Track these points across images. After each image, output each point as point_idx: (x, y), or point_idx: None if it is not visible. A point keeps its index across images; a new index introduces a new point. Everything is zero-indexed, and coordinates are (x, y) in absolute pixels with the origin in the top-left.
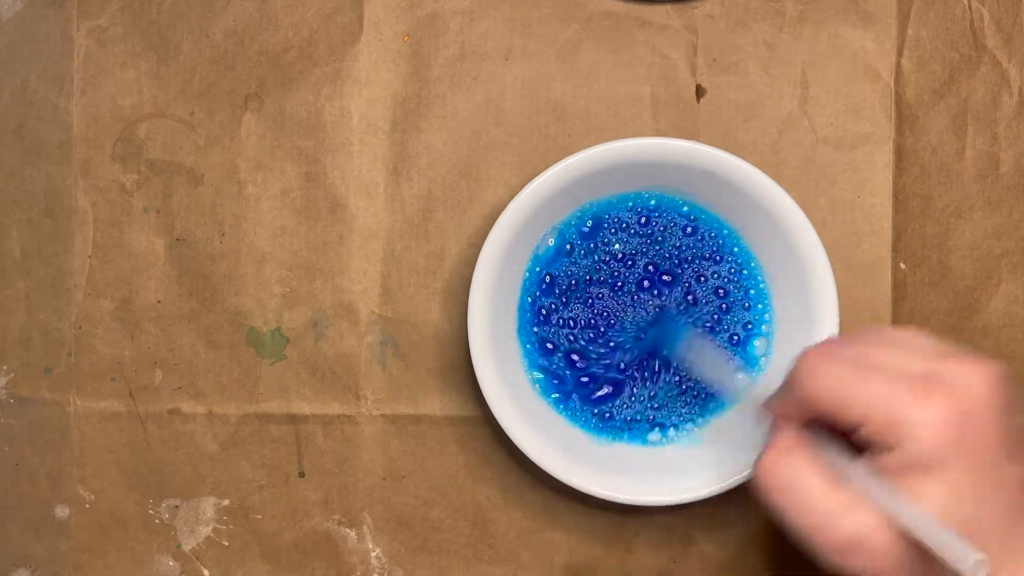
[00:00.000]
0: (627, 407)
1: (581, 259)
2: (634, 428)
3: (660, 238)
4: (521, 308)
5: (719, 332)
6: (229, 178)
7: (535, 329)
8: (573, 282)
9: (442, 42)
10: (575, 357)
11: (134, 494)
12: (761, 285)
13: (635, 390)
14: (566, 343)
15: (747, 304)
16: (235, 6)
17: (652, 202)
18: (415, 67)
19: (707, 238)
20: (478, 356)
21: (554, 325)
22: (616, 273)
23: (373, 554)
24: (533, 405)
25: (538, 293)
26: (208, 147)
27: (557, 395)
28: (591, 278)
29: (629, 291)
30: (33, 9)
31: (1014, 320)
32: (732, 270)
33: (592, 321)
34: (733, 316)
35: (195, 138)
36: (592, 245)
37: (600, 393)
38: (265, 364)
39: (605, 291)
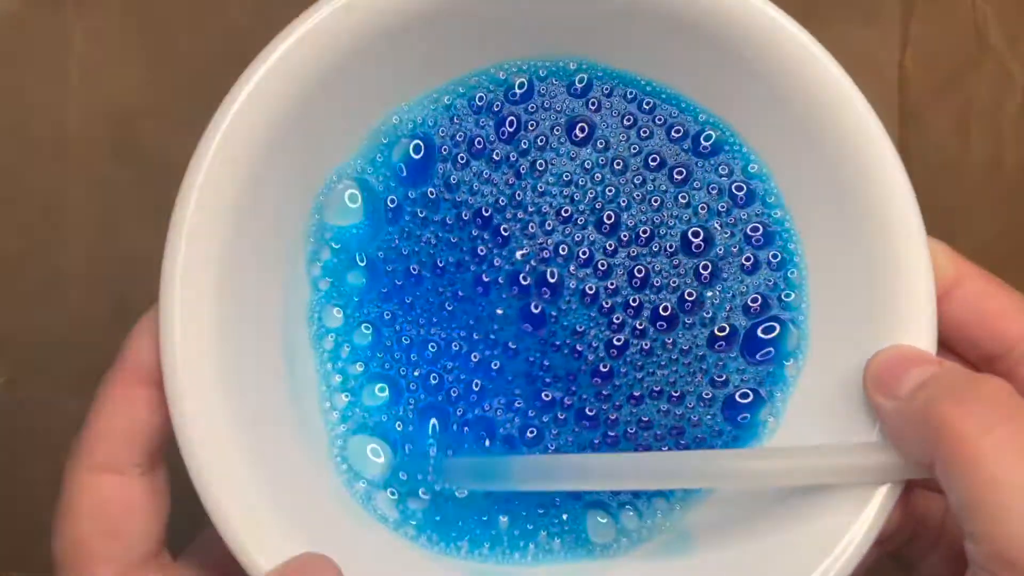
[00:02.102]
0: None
1: (412, 227)
2: (562, 523)
3: (548, 157)
4: (293, 327)
5: (694, 328)
6: None
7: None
8: (413, 269)
9: None
10: (435, 412)
11: None
12: (777, 213)
13: (547, 435)
14: (410, 379)
15: (750, 260)
16: (233, 5)
17: (521, 82)
18: None
19: (649, 132)
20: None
21: (385, 355)
22: (480, 252)
23: None
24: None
25: (350, 302)
26: None
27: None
28: (437, 264)
29: (497, 282)
30: (29, 7)
31: None
32: (714, 190)
33: (452, 346)
34: (726, 290)
35: (192, 137)
36: (428, 196)
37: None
38: None
39: (462, 295)
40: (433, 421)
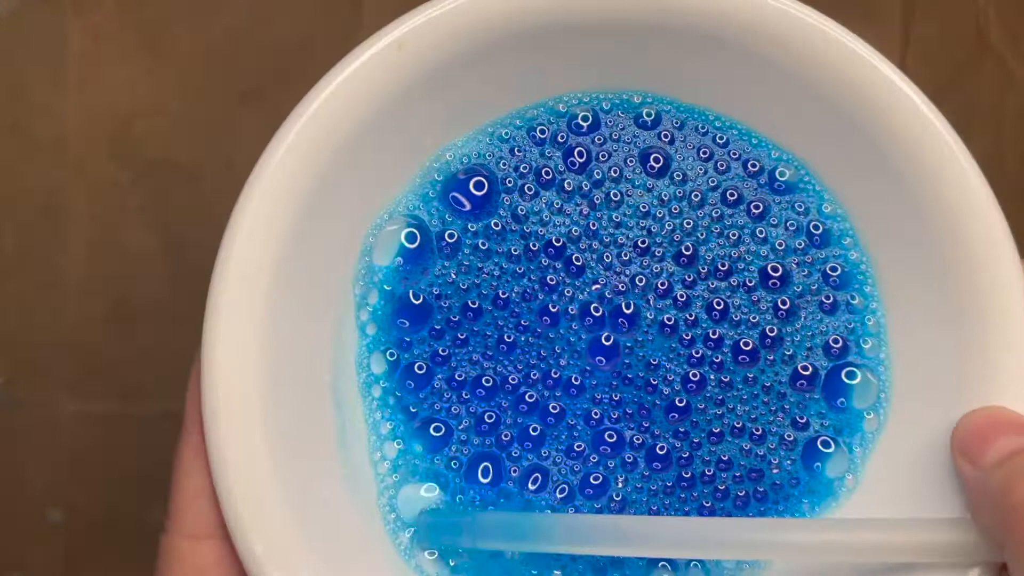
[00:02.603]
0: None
1: (473, 260)
2: None
3: (623, 188)
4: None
5: (776, 364)
6: (226, 177)
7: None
8: (472, 303)
9: None
10: (486, 462)
11: (128, 497)
12: (853, 255)
13: (612, 483)
14: (464, 436)
15: (829, 299)
16: (232, 3)
17: (589, 117)
18: None
19: (726, 165)
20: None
21: (435, 398)
22: (550, 283)
23: None
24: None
25: (399, 343)
26: (205, 145)
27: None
28: (499, 296)
29: (568, 312)
30: (28, 6)
31: None
32: (791, 228)
33: (510, 381)
34: (804, 328)
35: (192, 136)
36: (492, 228)
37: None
38: None
39: (526, 326)
40: (486, 464)
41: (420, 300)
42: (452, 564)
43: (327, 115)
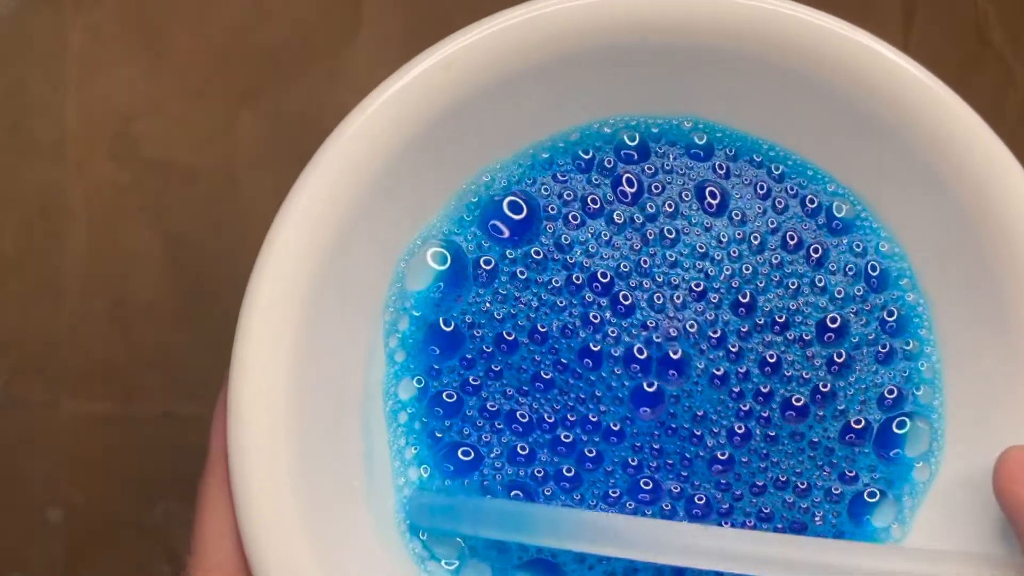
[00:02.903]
0: None
1: (511, 288)
2: None
3: (679, 225)
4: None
5: (826, 420)
6: (226, 177)
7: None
8: (507, 334)
9: (442, 38)
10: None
11: (127, 497)
12: (910, 297)
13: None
14: (498, 471)
15: (884, 348)
16: (232, 3)
17: (636, 138)
18: None
19: (784, 204)
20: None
21: (466, 425)
22: (593, 320)
23: None
24: None
25: (425, 371)
26: (204, 145)
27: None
28: (538, 329)
29: (611, 355)
30: (28, 6)
31: None
32: (850, 272)
33: (546, 419)
34: (859, 381)
35: (191, 136)
36: (532, 256)
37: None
38: None
39: (565, 365)
40: (517, 493)
41: (451, 327)
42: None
43: (370, 133)
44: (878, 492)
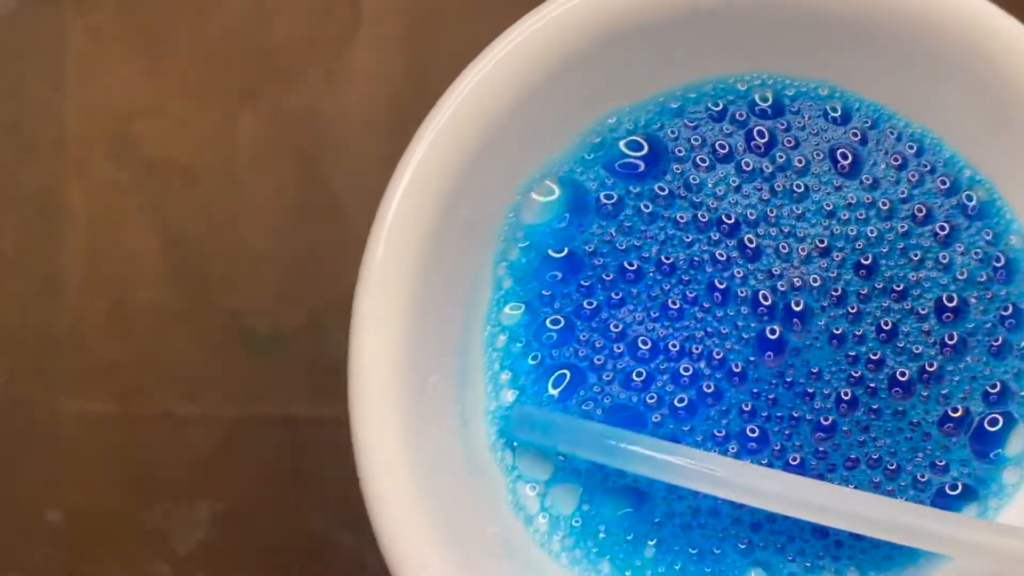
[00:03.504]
0: (697, 524)
1: (636, 222)
2: (719, 572)
3: (809, 182)
4: (490, 331)
5: (928, 402)
6: (225, 177)
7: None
8: (629, 264)
9: (442, 39)
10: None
11: (127, 497)
12: None
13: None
14: (598, 395)
15: (998, 341)
16: (232, 3)
17: (769, 98)
18: (414, 65)
19: (919, 177)
20: (369, 433)
21: (582, 346)
22: (719, 258)
23: (371, 559)
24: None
25: (538, 297)
26: (204, 145)
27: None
28: (663, 260)
29: (737, 295)
30: (28, 6)
31: None
32: (976, 257)
33: (670, 347)
34: (968, 369)
35: (191, 136)
36: (657, 192)
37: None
38: (261, 365)
39: (693, 297)
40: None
41: (567, 253)
42: (555, 509)
43: (507, 68)
44: (962, 486)
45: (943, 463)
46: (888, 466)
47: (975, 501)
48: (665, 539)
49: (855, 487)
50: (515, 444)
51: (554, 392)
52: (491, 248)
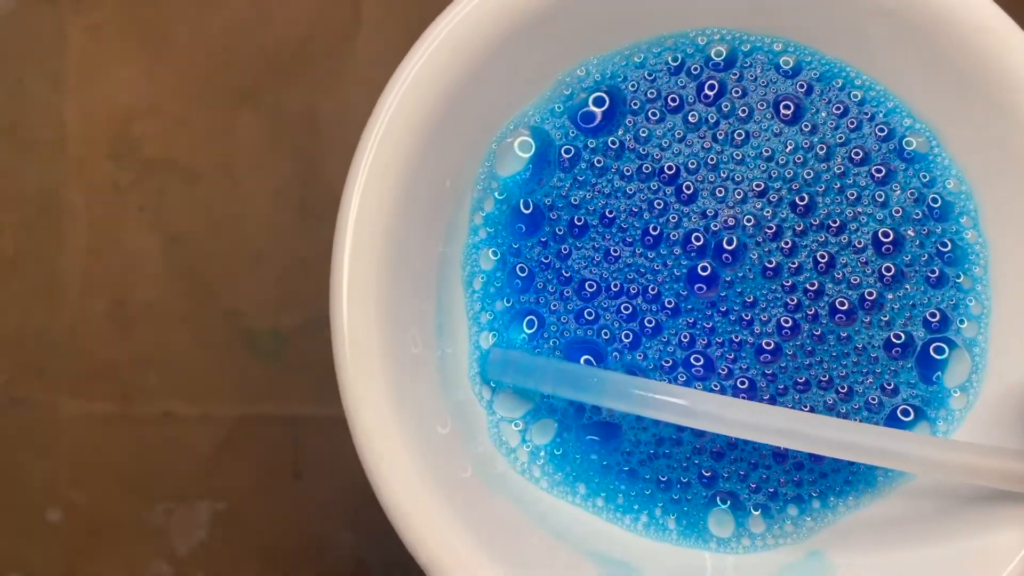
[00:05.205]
0: (663, 453)
1: (588, 176)
2: (683, 502)
3: (750, 129)
4: (468, 274)
5: (872, 328)
6: (225, 176)
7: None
8: (578, 220)
9: None
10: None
11: (127, 497)
12: (968, 235)
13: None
14: (569, 328)
15: (935, 273)
16: (232, 3)
17: (724, 52)
18: None
19: (858, 123)
20: (355, 370)
21: (540, 294)
22: (656, 206)
23: (370, 558)
24: (477, 467)
25: (508, 248)
26: (204, 145)
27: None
28: (606, 214)
29: (669, 237)
30: (27, 6)
31: None
32: (912, 196)
33: (612, 287)
34: (906, 297)
35: (191, 136)
36: (610, 146)
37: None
38: (261, 365)
39: (630, 242)
40: (586, 357)
41: (532, 209)
42: (535, 441)
43: (479, 15)
44: (913, 411)
45: (892, 386)
46: (840, 388)
47: (926, 420)
48: (634, 467)
49: (810, 408)
50: (493, 385)
51: (527, 332)
52: (468, 197)
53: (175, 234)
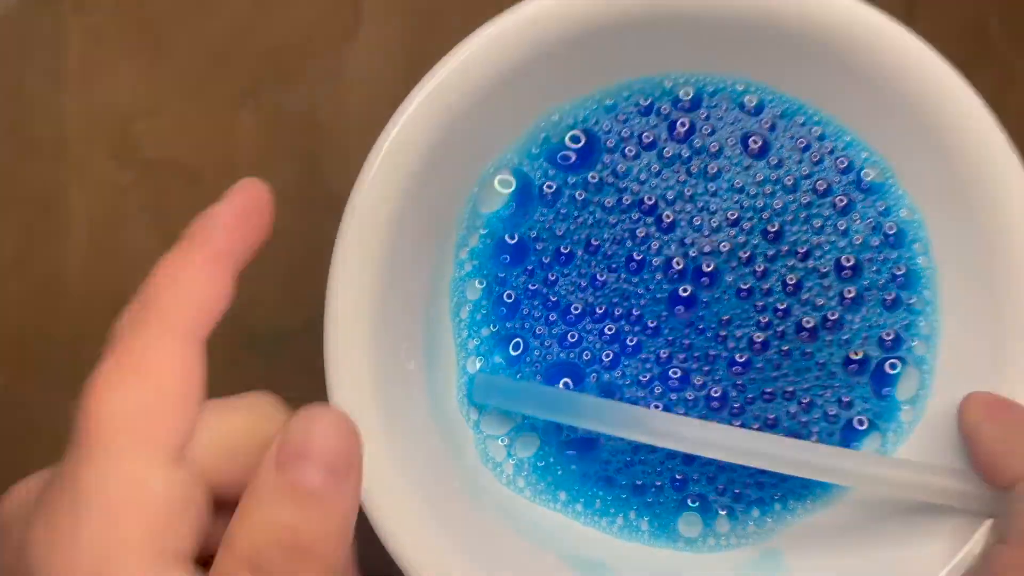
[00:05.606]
0: (638, 460)
1: (570, 209)
2: (655, 505)
3: (722, 163)
4: (456, 302)
5: (832, 346)
6: (226, 176)
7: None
8: (563, 249)
9: (442, 39)
10: (568, 379)
11: None
12: (920, 260)
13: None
14: (551, 350)
15: (891, 296)
16: (232, 3)
17: (691, 93)
18: (414, 63)
19: (820, 157)
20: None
21: (524, 319)
22: (639, 235)
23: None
24: (463, 480)
25: (494, 278)
26: (205, 145)
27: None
28: (591, 242)
29: (651, 263)
30: (27, 6)
31: None
32: (870, 225)
33: (597, 311)
34: (864, 319)
35: (191, 136)
36: (590, 181)
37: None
38: (261, 365)
39: (615, 268)
40: (566, 380)
41: (517, 240)
42: (519, 454)
43: (461, 73)
44: (867, 422)
45: (848, 399)
46: (802, 400)
47: (878, 432)
48: (611, 474)
49: (774, 417)
50: (479, 407)
51: (513, 354)
52: (453, 235)
53: (176, 234)
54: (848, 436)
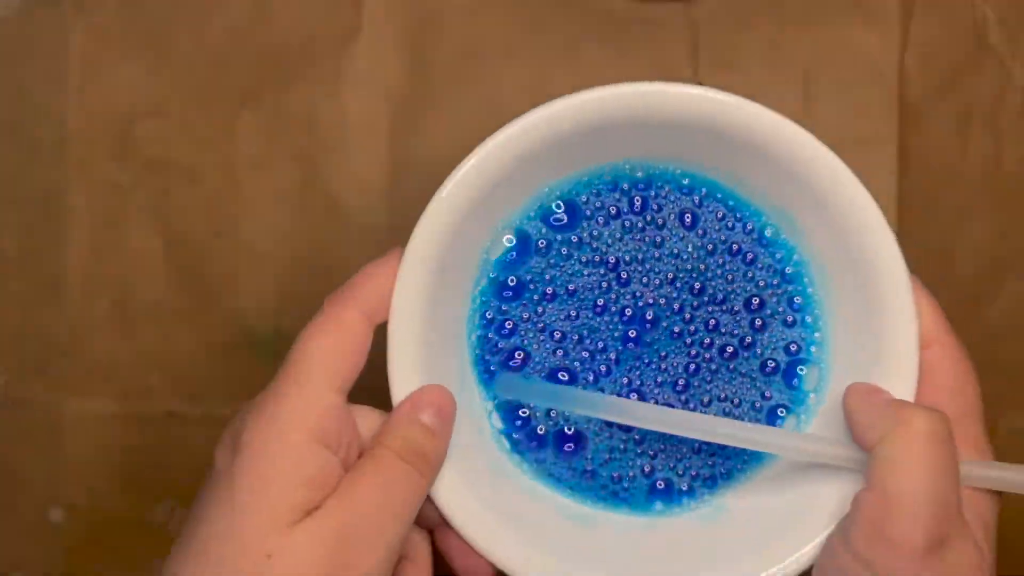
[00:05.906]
0: (610, 457)
1: (557, 260)
2: (630, 491)
3: (664, 234)
4: (471, 329)
5: (750, 359)
6: (226, 177)
7: (492, 349)
8: (549, 290)
9: (442, 40)
10: (560, 377)
11: (129, 497)
12: (810, 290)
13: (614, 429)
14: (546, 359)
15: (790, 318)
16: (233, 3)
17: (641, 174)
18: (415, 65)
19: (732, 224)
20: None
21: (520, 336)
22: (603, 286)
23: None
24: (485, 457)
25: (498, 305)
26: (205, 146)
27: (523, 443)
28: (569, 287)
29: (611, 309)
30: (30, 7)
31: (1019, 323)
32: (771, 270)
33: (572, 338)
34: (771, 336)
35: (192, 137)
36: (572, 240)
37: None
38: (262, 365)
39: (586, 308)
40: (562, 375)
41: (516, 283)
42: (516, 434)
43: (487, 159)
44: (784, 409)
45: (768, 393)
46: (733, 400)
47: (792, 415)
48: (596, 468)
49: (714, 413)
50: (497, 401)
51: (516, 363)
52: (472, 278)
53: (176, 234)
54: (771, 419)
